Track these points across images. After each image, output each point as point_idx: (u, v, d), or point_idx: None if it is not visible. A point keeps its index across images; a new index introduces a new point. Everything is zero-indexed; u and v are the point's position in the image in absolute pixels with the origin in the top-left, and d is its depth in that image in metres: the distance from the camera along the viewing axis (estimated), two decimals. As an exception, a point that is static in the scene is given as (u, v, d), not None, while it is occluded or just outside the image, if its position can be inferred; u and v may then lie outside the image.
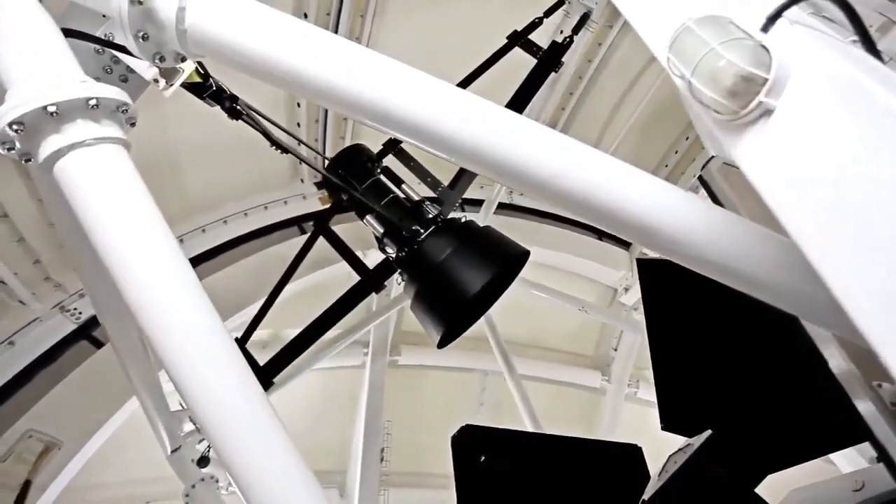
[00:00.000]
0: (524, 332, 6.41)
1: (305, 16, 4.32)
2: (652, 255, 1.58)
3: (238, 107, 2.35)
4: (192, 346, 1.22)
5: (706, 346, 2.00)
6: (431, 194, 2.99)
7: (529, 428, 5.04)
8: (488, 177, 1.40)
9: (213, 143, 4.13)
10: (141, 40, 1.38)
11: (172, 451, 2.81)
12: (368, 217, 2.68)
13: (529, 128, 1.20)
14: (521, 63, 3.64)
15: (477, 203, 5.57)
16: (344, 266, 3.12)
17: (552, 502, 2.34)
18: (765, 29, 0.88)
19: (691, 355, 2.05)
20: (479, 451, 2.32)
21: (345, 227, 3.80)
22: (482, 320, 4.16)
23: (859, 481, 1.59)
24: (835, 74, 0.79)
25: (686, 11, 0.94)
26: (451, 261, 2.38)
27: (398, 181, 2.80)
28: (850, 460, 2.86)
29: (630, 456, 2.53)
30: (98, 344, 3.69)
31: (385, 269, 2.96)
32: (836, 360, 1.37)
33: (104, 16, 1.59)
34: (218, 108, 2.31)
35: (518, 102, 3.48)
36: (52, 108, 1.24)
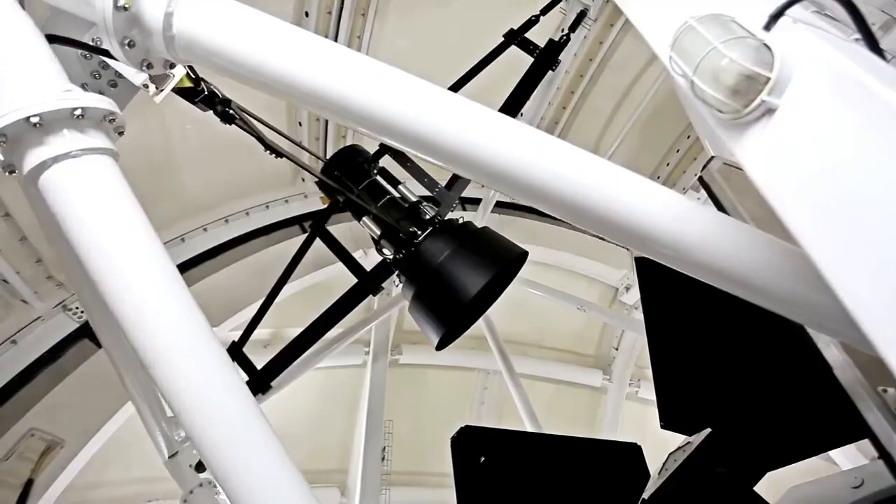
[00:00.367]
0: (526, 332, 6.41)
1: (307, 14, 4.32)
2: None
3: (231, 111, 2.32)
4: (181, 360, 1.20)
5: (705, 343, 2.00)
6: (428, 194, 2.98)
7: (529, 427, 5.04)
8: (481, 183, 1.39)
9: (215, 141, 4.13)
10: (127, 47, 1.32)
11: (170, 457, 2.79)
12: (365, 219, 2.67)
13: (524, 134, 1.18)
14: (520, 62, 3.65)
15: (476, 202, 5.57)
16: (346, 265, 3.11)
17: (552, 502, 2.34)
18: (767, 27, 0.88)
19: (690, 353, 2.05)
20: (478, 452, 2.32)
21: (345, 227, 3.80)
22: (481, 320, 4.16)
23: (859, 478, 1.59)
24: (837, 73, 0.79)
25: (688, 10, 0.94)
26: (448, 263, 2.37)
27: (395, 182, 2.79)
28: (849, 458, 2.86)
29: (630, 455, 2.54)
30: (100, 343, 3.69)
31: (382, 270, 2.95)
32: (841, 365, 1.37)
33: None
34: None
35: (515, 100, 3.47)
36: (35, 120, 1.20)
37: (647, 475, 2.20)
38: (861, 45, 0.88)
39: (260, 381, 3.06)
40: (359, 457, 5.41)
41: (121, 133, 1.37)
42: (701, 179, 2.08)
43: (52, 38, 1.41)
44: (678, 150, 5.93)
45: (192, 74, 2.10)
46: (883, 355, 0.68)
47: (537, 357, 6.47)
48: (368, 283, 3.04)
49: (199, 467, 2.91)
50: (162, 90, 1.88)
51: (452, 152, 1.18)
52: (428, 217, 2.56)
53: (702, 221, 1.09)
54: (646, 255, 1.16)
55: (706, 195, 2.07)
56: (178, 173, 4.32)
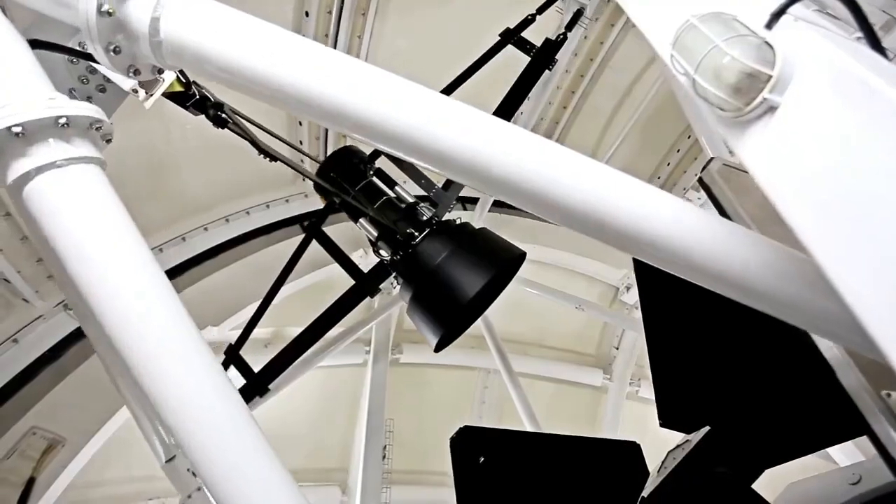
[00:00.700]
0: (527, 331, 6.41)
1: (307, 14, 4.32)
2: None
3: (224, 114, 2.28)
4: (169, 370, 1.18)
5: (703, 341, 2.01)
6: (425, 194, 2.97)
7: (528, 426, 5.05)
8: (477, 189, 1.36)
9: (216, 141, 4.11)
10: (112, 53, 1.27)
11: (167, 461, 2.77)
12: (362, 220, 2.66)
13: (519, 138, 1.15)
14: (519, 61, 3.64)
15: (475, 200, 5.56)
16: (347, 264, 3.11)
17: (553, 502, 2.34)
18: (769, 26, 0.88)
19: (688, 351, 2.06)
20: (478, 453, 2.32)
21: (345, 226, 3.80)
22: (480, 320, 4.16)
23: (856, 475, 1.60)
24: (839, 71, 0.79)
25: (690, 8, 0.94)
26: (446, 265, 2.36)
27: (391, 182, 2.77)
28: (847, 454, 2.86)
29: (629, 453, 2.54)
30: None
31: (380, 271, 2.93)
32: (844, 369, 1.37)
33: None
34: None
35: (512, 100, 3.45)
36: (17, 129, 1.15)
37: (647, 473, 2.21)
38: (863, 43, 0.88)
39: (257, 385, 3.05)
40: (360, 455, 5.41)
41: (108, 141, 1.32)
42: (701, 181, 2.08)
43: (35, 44, 1.35)
44: (679, 150, 5.93)
45: (182, 78, 2.05)
46: (884, 353, 0.68)
47: (538, 356, 6.47)
48: (366, 285, 3.02)
49: (197, 472, 2.88)
50: (151, 95, 1.83)
51: (448, 159, 1.15)
52: (425, 218, 2.55)
53: (704, 228, 1.06)
54: (644, 260, 1.15)
55: (706, 196, 2.07)
56: (179, 172, 4.32)
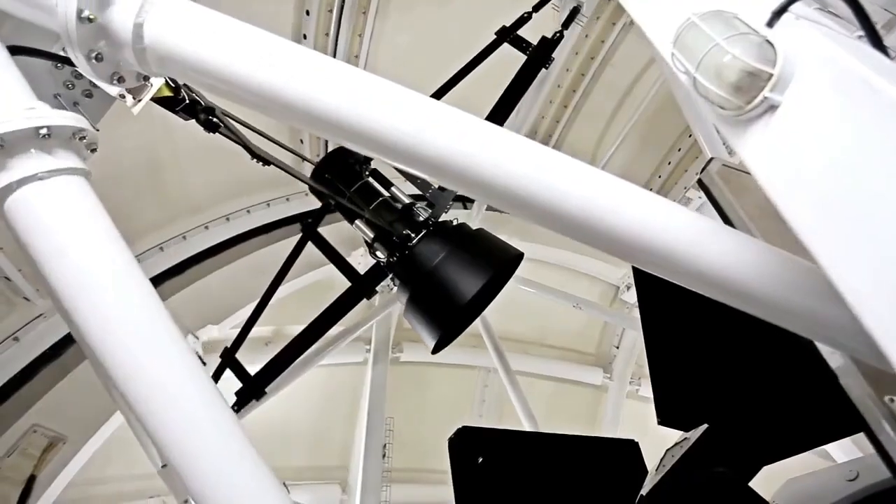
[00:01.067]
0: (527, 330, 6.42)
1: (308, 13, 4.31)
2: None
3: (216, 118, 2.24)
4: (152, 379, 1.16)
5: (701, 339, 2.00)
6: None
7: (526, 425, 5.05)
8: (472, 197, 1.32)
9: (216, 140, 4.12)
10: (94, 61, 1.20)
11: (163, 466, 2.77)
12: (358, 221, 2.64)
13: (514, 145, 1.11)
14: (518, 60, 3.63)
15: (472, 200, 5.55)
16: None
17: (551, 501, 2.34)
18: (770, 24, 0.88)
19: (686, 349, 2.05)
20: (476, 453, 2.32)
21: (345, 225, 3.80)
22: (478, 319, 4.16)
23: (854, 471, 1.60)
24: (840, 70, 0.78)
25: (690, 7, 0.94)
26: (443, 266, 2.35)
27: (387, 183, 2.75)
28: (845, 451, 2.87)
29: (627, 451, 2.54)
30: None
31: (377, 273, 2.91)
32: (846, 374, 1.36)
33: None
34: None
35: (509, 98, 3.43)
36: None
37: (646, 472, 2.21)
38: (864, 42, 0.88)
39: (253, 388, 3.02)
40: (360, 454, 5.42)
41: (93, 150, 1.27)
42: (700, 182, 2.07)
43: (15, 50, 1.30)
44: (680, 149, 5.92)
45: (171, 83, 2.01)
46: (885, 353, 0.68)
47: (538, 355, 6.48)
48: (362, 287, 3.00)
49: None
50: (140, 101, 1.77)
51: (440, 167, 1.12)
52: (422, 219, 2.53)
53: (703, 236, 1.04)
54: (642, 268, 1.14)
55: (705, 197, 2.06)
56: (180, 171, 4.32)
